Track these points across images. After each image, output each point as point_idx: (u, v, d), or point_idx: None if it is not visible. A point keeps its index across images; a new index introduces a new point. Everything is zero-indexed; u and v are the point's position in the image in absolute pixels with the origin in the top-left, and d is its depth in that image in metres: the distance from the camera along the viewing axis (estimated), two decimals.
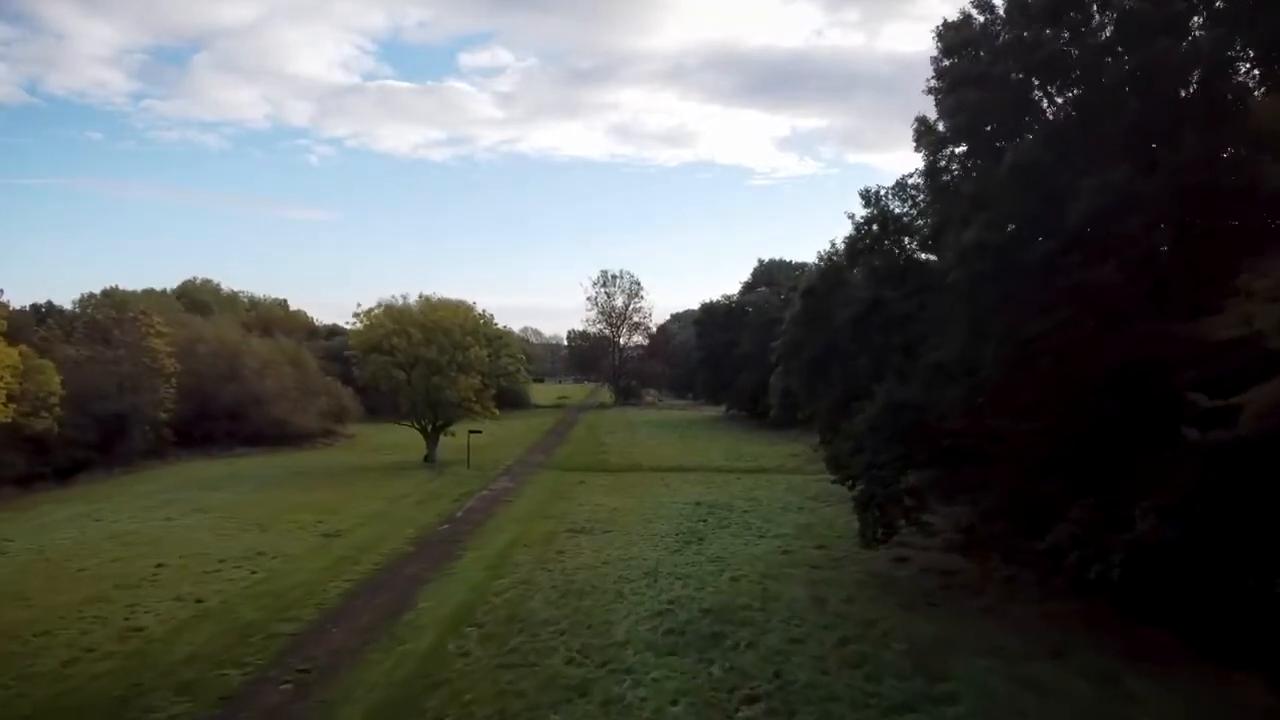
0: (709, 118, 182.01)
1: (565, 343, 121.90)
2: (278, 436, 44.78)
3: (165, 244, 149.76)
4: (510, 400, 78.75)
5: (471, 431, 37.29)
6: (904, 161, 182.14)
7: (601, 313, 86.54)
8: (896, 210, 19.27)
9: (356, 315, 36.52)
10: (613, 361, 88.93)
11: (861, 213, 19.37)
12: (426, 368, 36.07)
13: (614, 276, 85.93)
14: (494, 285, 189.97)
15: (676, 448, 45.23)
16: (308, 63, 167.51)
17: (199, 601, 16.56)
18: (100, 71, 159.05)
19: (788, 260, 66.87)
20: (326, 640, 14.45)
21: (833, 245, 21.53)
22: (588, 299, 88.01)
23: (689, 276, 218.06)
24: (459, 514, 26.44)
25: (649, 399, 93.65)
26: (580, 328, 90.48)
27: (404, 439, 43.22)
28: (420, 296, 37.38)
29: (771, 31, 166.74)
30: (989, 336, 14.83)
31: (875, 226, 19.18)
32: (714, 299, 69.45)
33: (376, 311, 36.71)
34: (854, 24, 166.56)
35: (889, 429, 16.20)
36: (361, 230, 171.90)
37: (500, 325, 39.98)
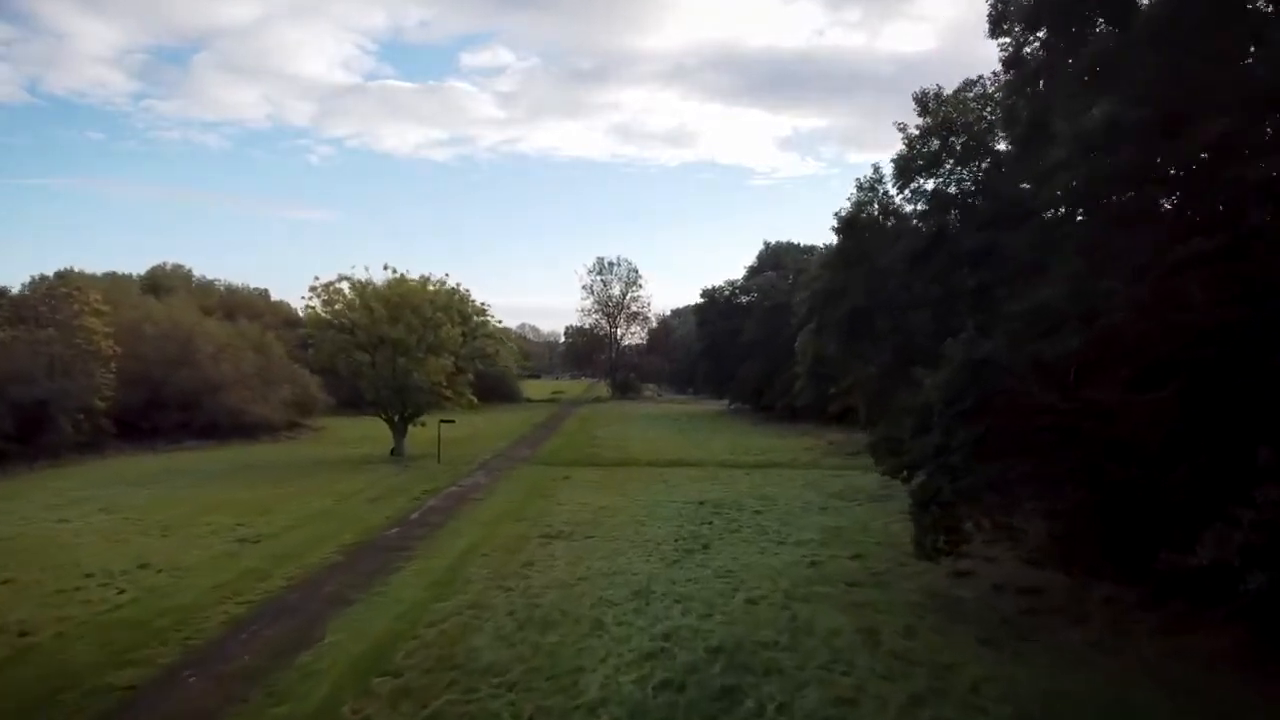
0: (710, 118, 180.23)
1: (563, 338, 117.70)
2: (234, 428, 40.39)
3: (165, 244, 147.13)
4: (501, 394, 74.60)
5: (443, 421, 32.93)
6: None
7: (598, 302, 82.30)
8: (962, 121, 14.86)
9: (314, 289, 32.17)
10: (609, 354, 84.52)
11: (915, 123, 14.96)
12: (392, 348, 31.72)
13: (610, 264, 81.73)
14: (494, 285, 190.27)
15: (676, 441, 40.87)
16: (309, 63, 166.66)
17: (23, 635, 12.18)
18: (101, 71, 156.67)
19: (795, 243, 62.50)
20: (171, 698, 10.10)
21: (875, 169, 17.03)
22: (583, 287, 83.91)
23: (690, 276, 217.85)
24: (414, 515, 22.08)
25: (648, 393, 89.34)
26: (577, 322, 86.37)
27: (375, 432, 38.83)
28: (387, 269, 33.03)
29: (773, 31, 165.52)
30: (1116, 264, 10.48)
31: (935, 141, 14.76)
32: (716, 284, 65.11)
33: (337, 285, 32.36)
34: (855, 24, 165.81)
35: (968, 398, 11.81)
36: (362, 230, 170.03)
37: (479, 301, 35.69)
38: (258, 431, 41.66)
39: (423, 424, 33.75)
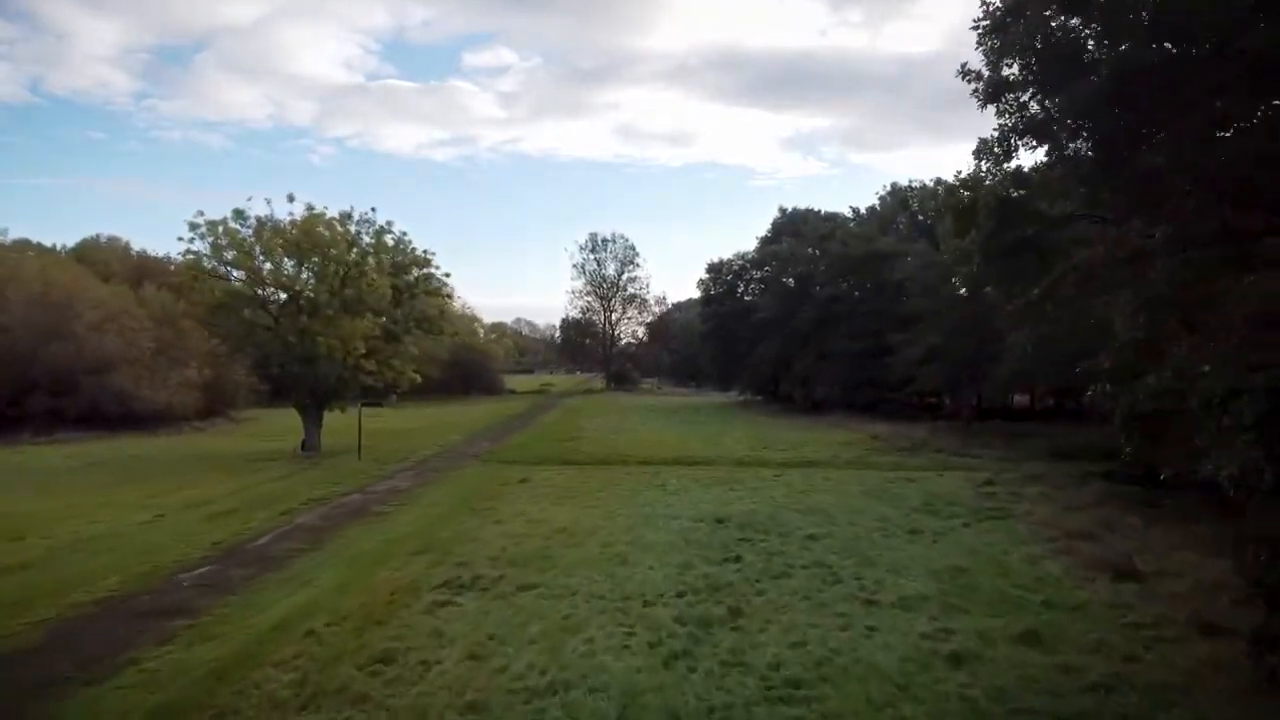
0: (712, 118, 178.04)
1: (558, 332, 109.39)
2: (126, 417, 32.21)
3: (166, 244, 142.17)
4: (483, 385, 66.48)
5: (366, 404, 24.65)
6: (906, 161, 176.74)
7: (590, 283, 73.81)
8: None
9: (194, 227, 23.76)
10: (604, 341, 76.09)
11: None
12: (297, 306, 23.55)
13: (605, 240, 73.33)
14: (495, 285, 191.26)
15: (678, 435, 32.56)
16: (310, 62, 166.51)
17: None
18: (103, 71, 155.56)
19: (815, 209, 54.25)
20: None
21: None
22: (574, 266, 75.42)
23: (691, 277, 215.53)
24: (261, 539, 13.84)
25: (646, 386, 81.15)
26: (568, 306, 77.89)
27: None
28: (293, 200, 24.62)
29: (775, 31, 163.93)
30: None
31: None
32: (723, 257, 56.87)
33: (228, 225, 24.05)
34: (858, 24, 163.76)
35: None
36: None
37: (421, 251, 27.14)
38: (156, 421, 33.45)
39: (340, 409, 25.42)
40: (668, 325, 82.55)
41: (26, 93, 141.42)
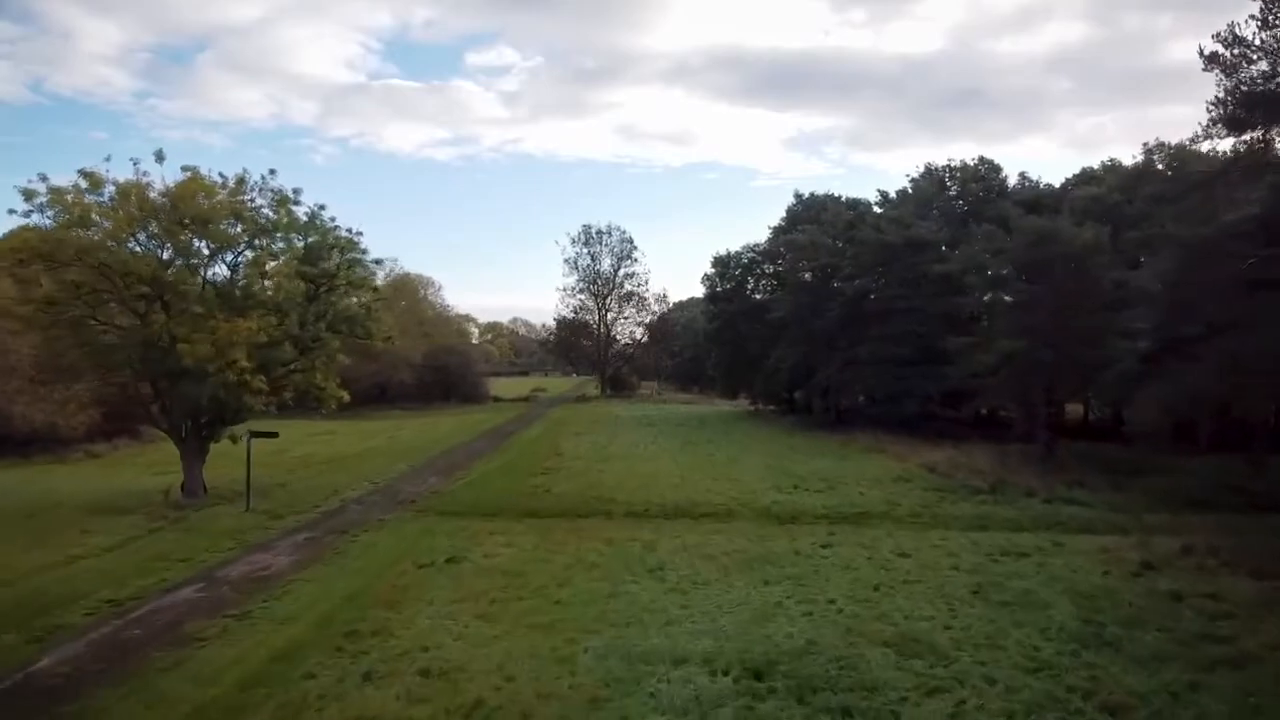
0: (714, 117, 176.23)
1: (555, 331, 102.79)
2: None
3: None
4: (462, 393, 60.11)
5: (255, 434, 18.15)
6: (907, 161, 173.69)
7: (584, 279, 67.00)
8: None
9: (31, 197, 17.29)
10: (598, 344, 69.38)
11: None
12: (160, 298, 17.18)
13: (600, 233, 66.44)
14: (497, 285, 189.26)
15: (682, 461, 26.10)
16: (312, 62, 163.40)
17: None
18: (105, 70, 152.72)
19: (834, 194, 47.68)
20: None
21: None
22: (565, 261, 68.34)
23: (693, 279, 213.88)
24: None
25: (645, 391, 74.65)
26: (559, 304, 71.02)
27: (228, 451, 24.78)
28: (162, 161, 18.10)
29: (777, 31, 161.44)
30: None
31: None
32: (731, 249, 50.31)
33: (79, 192, 17.64)
34: (861, 24, 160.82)
35: None
36: (366, 230, 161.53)
37: (346, 232, 20.45)
38: (41, 445, 27.11)
39: (232, 440, 18.84)
40: (668, 326, 76.29)
41: (28, 92, 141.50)
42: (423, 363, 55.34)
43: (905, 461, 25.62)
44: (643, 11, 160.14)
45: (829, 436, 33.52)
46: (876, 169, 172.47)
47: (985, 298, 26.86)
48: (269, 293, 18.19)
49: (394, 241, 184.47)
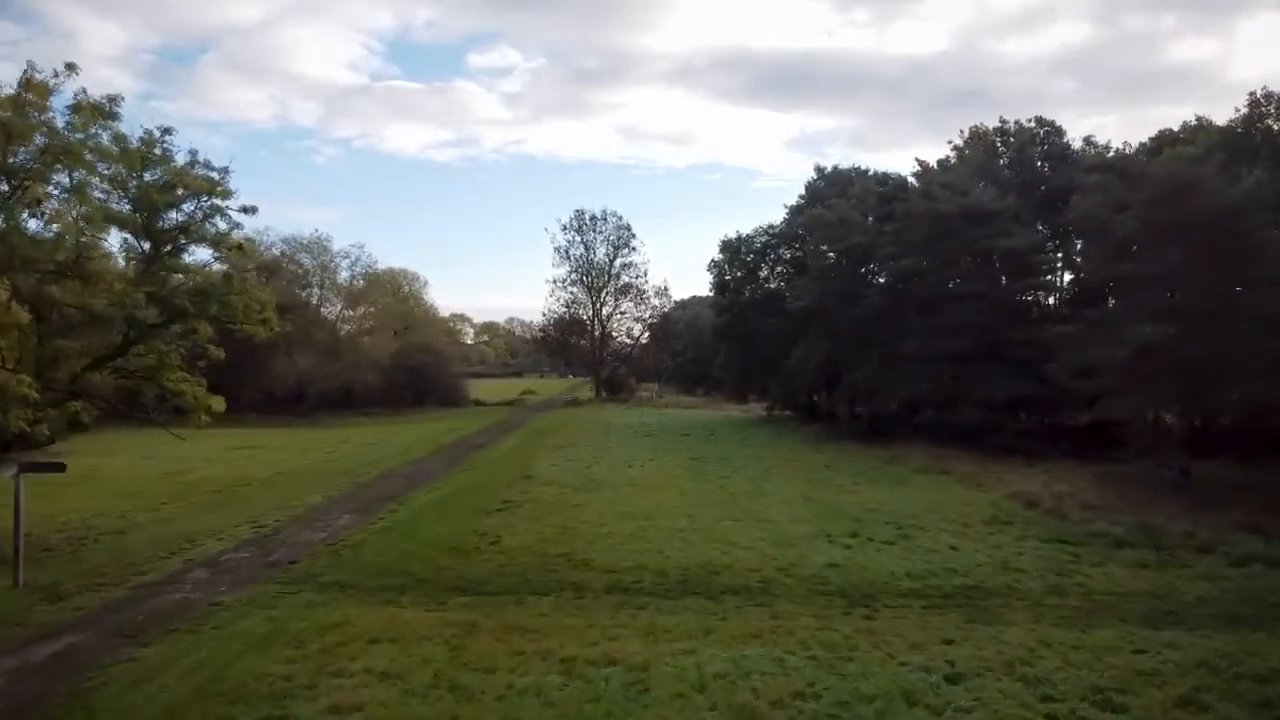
0: (716, 118, 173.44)
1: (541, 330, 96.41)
2: None
3: None
4: (439, 397, 53.83)
5: (26, 468, 11.86)
6: (908, 161, 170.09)
7: (577, 270, 60.55)
8: None
9: None
10: (592, 341, 62.89)
11: None
12: None
13: (594, 218, 60.00)
14: (498, 286, 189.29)
15: (688, 491, 19.75)
16: (315, 63, 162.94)
17: None
18: (108, 72, 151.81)
19: (862, 168, 41.40)
20: None
21: None
22: (556, 250, 61.67)
23: (695, 281, 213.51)
24: None
25: (645, 393, 68.34)
26: (553, 306, 64.46)
27: (110, 469, 18.57)
28: None
29: (780, 31, 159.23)
30: None
31: None
32: (741, 232, 43.97)
33: None
34: (864, 24, 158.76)
35: None
36: (368, 231, 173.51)
37: (204, 167, 13.98)
38: None
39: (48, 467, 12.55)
40: (670, 323, 70.04)
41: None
42: (391, 362, 49.06)
43: (986, 490, 19.33)
44: (645, 12, 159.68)
45: (867, 451, 27.20)
46: (879, 169, 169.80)
47: (1069, 279, 20.45)
48: (65, 244, 11.85)
49: (395, 243, 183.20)
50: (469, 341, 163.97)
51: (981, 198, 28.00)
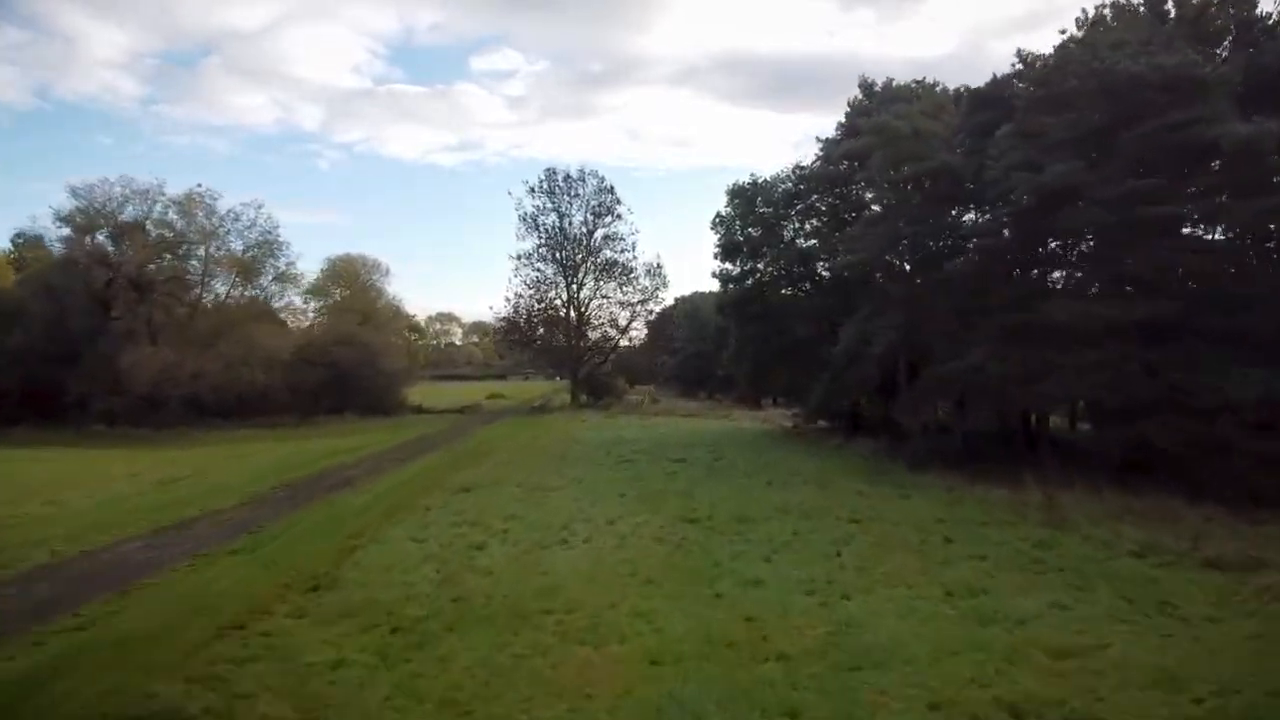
0: (720, 120, 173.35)
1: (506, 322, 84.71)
2: None
3: None
4: (364, 402, 42.02)
5: None
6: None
7: (548, 244, 48.76)
8: None
9: None
10: (568, 331, 51.02)
11: None
12: None
13: (568, 179, 48.11)
14: (497, 288, 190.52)
15: (668, 637, 8.25)
16: (317, 67, 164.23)
17: None
18: (110, 76, 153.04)
19: (928, 81, 29.66)
20: None
21: None
22: (522, 219, 49.45)
23: (697, 282, 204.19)
24: None
25: (635, 397, 56.83)
26: (517, 289, 52.82)
27: None
28: None
29: (784, 33, 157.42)
30: None
31: None
32: (758, 177, 32.40)
33: None
34: (868, 25, 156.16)
35: None
36: (371, 234, 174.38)
37: None
38: None
39: None
40: (664, 316, 58.57)
41: (34, 98, 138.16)
42: (293, 359, 37.45)
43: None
44: (648, 14, 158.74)
45: (986, 497, 15.61)
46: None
47: None
48: None
49: (397, 244, 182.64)
50: (457, 343, 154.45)
51: (1183, 60, 16.34)
